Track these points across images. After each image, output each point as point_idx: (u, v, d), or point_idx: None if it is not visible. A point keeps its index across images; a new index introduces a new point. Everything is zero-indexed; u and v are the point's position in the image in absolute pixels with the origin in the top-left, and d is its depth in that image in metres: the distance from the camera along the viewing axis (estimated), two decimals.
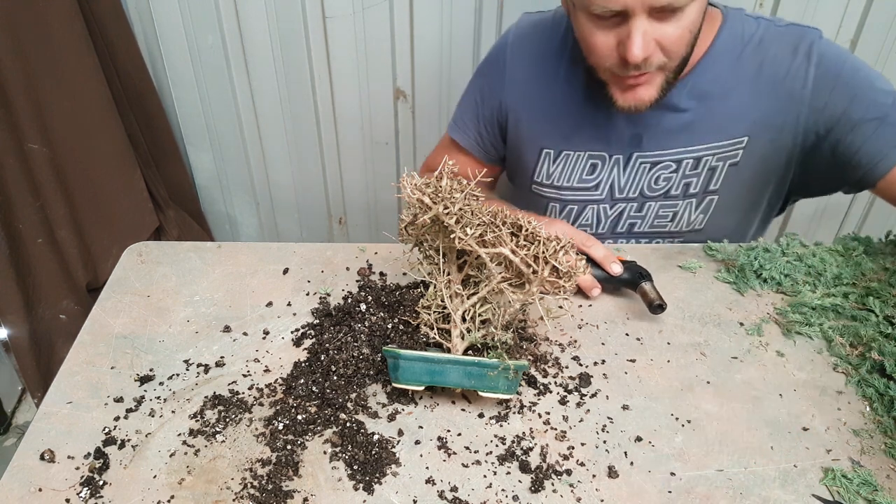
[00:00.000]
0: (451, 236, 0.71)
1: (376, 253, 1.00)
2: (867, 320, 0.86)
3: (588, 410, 0.76)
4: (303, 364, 0.81)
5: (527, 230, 0.72)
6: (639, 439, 0.73)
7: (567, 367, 0.82)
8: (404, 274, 0.95)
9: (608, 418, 0.75)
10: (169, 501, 0.67)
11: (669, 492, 0.68)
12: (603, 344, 0.85)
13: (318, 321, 0.87)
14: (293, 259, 0.99)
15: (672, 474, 0.69)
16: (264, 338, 0.86)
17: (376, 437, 0.73)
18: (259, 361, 0.82)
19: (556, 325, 0.88)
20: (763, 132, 1.01)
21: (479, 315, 0.78)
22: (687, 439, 0.73)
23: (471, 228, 0.71)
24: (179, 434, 0.73)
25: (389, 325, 0.84)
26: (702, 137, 1.02)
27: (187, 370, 0.81)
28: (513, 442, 0.72)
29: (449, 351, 0.77)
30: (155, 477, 0.69)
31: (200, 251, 1.00)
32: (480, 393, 0.73)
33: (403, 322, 0.84)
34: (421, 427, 0.74)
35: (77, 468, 0.70)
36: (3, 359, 1.62)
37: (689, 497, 0.67)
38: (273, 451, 0.71)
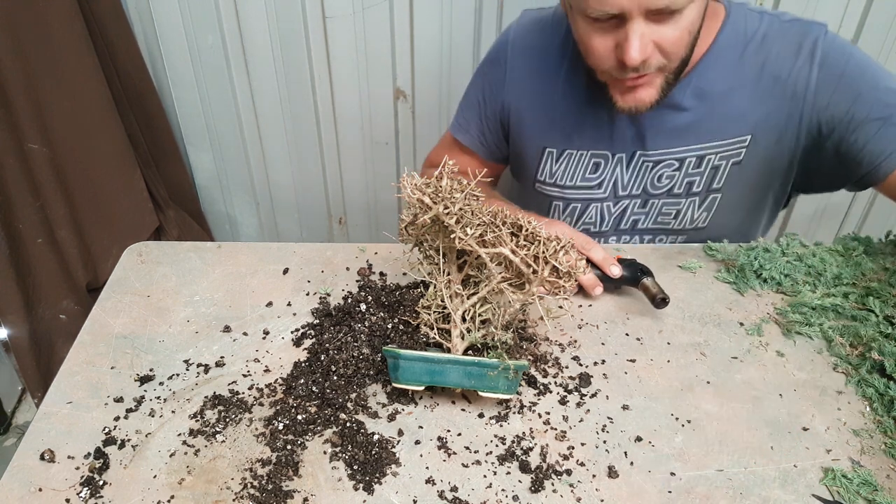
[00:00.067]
0: (451, 236, 0.71)
1: (376, 253, 1.00)
2: (867, 320, 0.86)
3: (588, 410, 0.76)
4: (303, 364, 0.81)
5: (527, 230, 0.72)
6: (639, 439, 0.73)
7: (567, 367, 0.82)
8: (404, 274, 0.95)
9: (608, 418, 0.75)
10: (169, 501, 0.67)
11: (669, 492, 0.68)
12: (603, 344, 0.85)
13: (318, 321, 0.87)
14: (293, 259, 0.99)
15: (672, 474, 0.69)
16: (264, 338, 0.86)
17: (376, 437, 0.73)
18: (259, 361, 0.82)
19: (556, 325, 0.88)
20: (766, 131, 1.00)
21: (479, 315, 0.78)
22: (687, 439, 0.73)
23: (471, 228, 0.71)
24: (179, 434, 0.73)
25: (389, 325, 0.84)
26: (704, 136, 1.02)
27: (187, 370, 0.81)
28: (513, 442, 0.72)
29: (449, 351, 0.77)
30: (155, 477, 0.69)
31: (200, 251, 1.00)
32: (480, 393, 0.73)
33: (403, 322, 0.84)
34: (421, 427, 0.74)
35: (77, 468, 0.70)
36: (3, 359, 1.62)
37: (689, 497, 0.67)
38: (273, 451, 0.71)
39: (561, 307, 0.81)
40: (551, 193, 1.13)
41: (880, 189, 0.96)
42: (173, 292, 0.93)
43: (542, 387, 0.79)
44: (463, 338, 0.77)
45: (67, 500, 0.67)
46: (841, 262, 0.95)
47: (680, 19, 0.85)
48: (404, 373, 0.73)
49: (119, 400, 0.77)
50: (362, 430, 0.73)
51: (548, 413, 0.76)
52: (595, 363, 0.82)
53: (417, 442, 0.73)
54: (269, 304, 0.91)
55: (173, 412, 0.76)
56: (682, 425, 0.75)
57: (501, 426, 0.74)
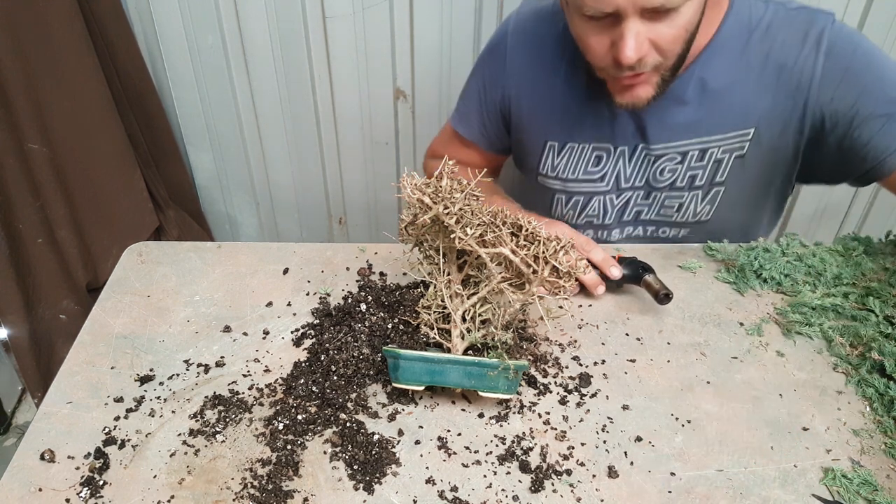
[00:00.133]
0: (451, 236, 0.71)
1: (376, 253, 1.00)
2: (867, 320, 0.86)
3: (588, 410, 0.76)
4: (303, 364, 0.81)
5: (527, 230, 0.72)
6: (639, 439, 0.73)
7: (567, 367, 0.82)
8: (404, 274, 0.95)
9: (608, 418, 0.75)
10: (169, 501, 0.67)
11: (669, 492, 0.68)
12: (603, 344, 0.85)
13: (318, 321, 0.87)
14: (293, 259, 0.99)
15: (672, 474, 0.69)
16: (264, 338, 0.86)
17: (376, 437, 0.73)
18: (259, 361, 0.82)
19: (556, 325, 0.88)
20: (769, 124, 0.98)
21: (479, 315, 0.78)
22: (687, 439, 0.73)
23: (471, 228, 0.71)
24: (179, 434, 0.73)
25: (389, 325, 0.84)
26: (707, 129, 1.00)
27: (187, 370, 0.81)
28: (513, 442, 0.72)
29: (449, 351, 0.77)
30: (155, 477, 0.69)
31: (200, 251, 1.00)
32: (480, 393, 0.73)
33: (403, 322, 0.84)
34: (421, 427, 0.74)
35: (77, 468, 0.70)
36: (3, 359, 1.62)
37: (689, 497, 0.67)
38: (273, 451, 0.71)
39: (561, 307, 0.80)
40: (553, 186, 1.12)
41: (884, 184, 0.95)
42: (173, 292, 0.93)
43: (542, 387, 0.79)
44: (463, 338, 0.77)
45: (67, 500, 0.67)
46: (841, 262, 0.95)
47: (676, 17, 0.83)
48: (404, 373, 0.73)
49: (119, 400, 0.77)
50: (362, 430, 0.73)
51: (548, 413, 0.76)
52: (595, 363, 0.82)
53: (417, 442, 0.73)
54: (269, 304, 0.91)
55: (173, 412, 0.76)
56: (682, 425, 0.75)
57: (501, 426, 0.74)
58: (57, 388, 0.79)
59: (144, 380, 0.80)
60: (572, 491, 0.68)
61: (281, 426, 0.73)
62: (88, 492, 0.67)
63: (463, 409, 0.76)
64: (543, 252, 0.71)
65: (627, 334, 0.87)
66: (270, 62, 1.69)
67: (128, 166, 1.69)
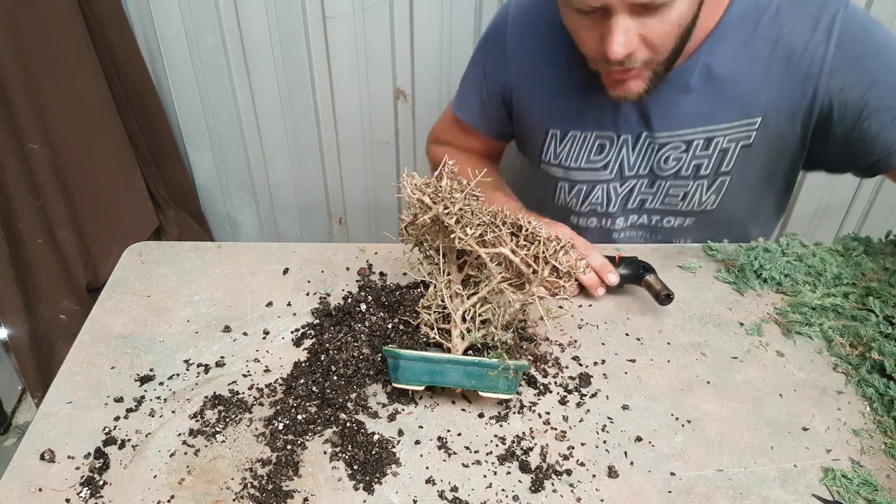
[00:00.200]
0: (451, 236, 0.71)
1: (376, 253, 1.00)
2: (867, 320, 0.86)
3: (588, 410, 0.76)
4: (303, 364, 0.81)
5: (527, 230, 0.72)
6: (639, 439, 0.73)
7: (567, 367, 0.82)
8: (404, 274, 0.95)
9: (608, 418, 0.75)
10: (169, 501, 0.67)
11: (669, 492, 0.68)
12: (603, 344, 0.85)
13: (318, 321, 0.87)
14: (293, 259, 0.99)
15: (672, 474, 0.69)
16: (264, 338, 0.86)
17: (376, 437, 0.73)
18: (259, 361, 0.82)
19: (556, 325, 0.87)
20: (777, 113, 0.95)
21: (479, 315, 0.78)
22: (687, 439, 0.73)
23: (471, 228, 0.71)
24: (179, 434, 0.73)
25: (389, 325, 0.84)
26: (712, 118, 0.97)
27: (187, 370, 0.81)
28: (513, 442, 0.72)
29: (449, 351, 0.77)
30: (155, 477, 0.69)
31: (200, 251, 1.00)
32: (480, 393, 0.73)
33: (403, 322, 0.84)
34: (421, 427, 0.74)
35: (77, 468, 0.70)
36: (3, 359, 1.62)
37: (689, 497, 0.67)
38: (273, 451, 0.71)
39: (561, 307, 0.80)
40: (556, 174, 1.11)
41: (891, 177, 0.94)
42: (173, 292, 0.93)
43: (542, 387, 0.79)
44: (463, 338, 0.77)
45: (67, 500, 0.67)
46: (841, 262, 0.95)
47: (668, 13, 0.81)
48: (404, 373, 0.73)
49: (119, 400, 0.77)
50: (362, 430, 0.73)
51: (548, 413, 0.76)
52: (595, 363, 0.82)
53: (417, 442, 0.73)
54: (269, 304, 0.91)
55: (173, 412, 0.76)
56: (682, 425, 0.75)
57: (501, 426, 0.74)
58: (57, 388, 0.79)
59: (144, 380, 0.80)
60: (572, 491, 0.68)
61: (281, 426, 0.73)
62: (88, 492, 0.67)
63: (463, 409, 0.76)
64: (543, 252, 0.71)
65: (627, 334, 0.87)
66: (270, 62, 1.69)
67: (128, 166, 1.69)
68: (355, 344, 0.82)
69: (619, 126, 1.02)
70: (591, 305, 0.91)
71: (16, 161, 1.40)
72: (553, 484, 0.68)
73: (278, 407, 0.76)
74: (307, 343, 0.84)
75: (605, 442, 0.73)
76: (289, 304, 0.90)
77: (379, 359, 0.81)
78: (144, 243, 1.02)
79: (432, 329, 0.79)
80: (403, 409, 0.76)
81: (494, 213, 0.73)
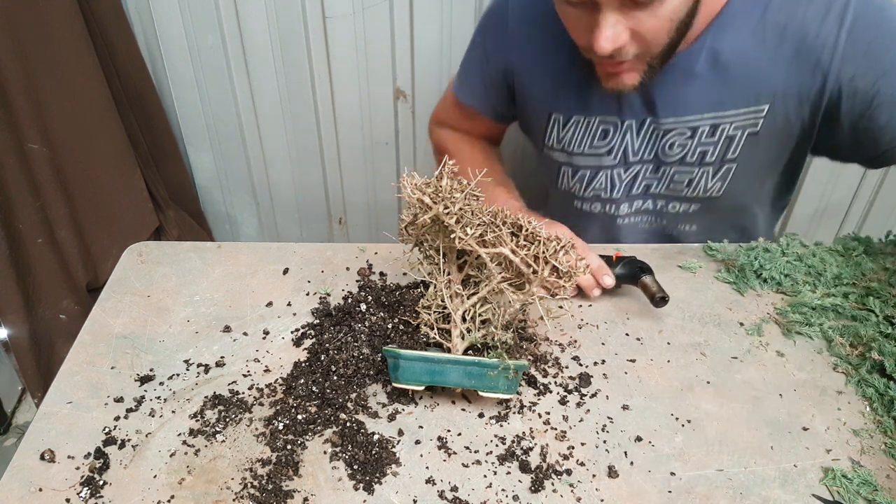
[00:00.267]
0: (451, 236, 0.71)
1: (376, 253, 1.00)
2: (867, 320, 0.86)
3: (588, 410, 0.76)
4: (303, 364, 0.81)
5: (527, 230, 0.72)
6: (639, 439, 0.73)
7: (567, 367, 0.82)
8: (404, 274, 0.95)
9: (608, 418, 0.75)
10: (169, 501, 0.67)
11: (669, 492, 0.68)
12: (603, 344, 0.85)
13: (318, 321, 0.87)
14: (293, 259, 0.99)
15: (672, 474, 0.69)
16: (264, 338, 0.86)
17: (376, 436, 0.73)
18: (259, 361, 0.82)
19: (556, 325, 0.88)
20: (785, 101, 0.93)
21: (479, 315, 0.78)
22: (687, 439, 0.73)
23: (471, 228, 0.71)
24: (179, 434, 0.73)
25: (389, 325, 0.84)
26: (719, 105, 0.95)
27: (187, 370, 0.81)
28: (513, 442, 0.72)
29: (449, 351, 0.77)
30: (155, 477, 0.69)
31: (200, 251, 1.00)
32: (480, 393, 0.73)
33: (403, 322, 0.84)
34: (421, 427, 0.74)
35: (77, 468, 0.70)
36: (3, 359, 1.62)
37: (689, 497, 0.67)
38: (273, 451, 0.71)
39: (561, 307, 0.80)
40: (559, 159, 1.09)
41: None
42: (173, 292, 0.93)
43: (542, 387, 0.79)
44: (463, 338, 0.77)
45: (67, 500, 0.67)
46: (841, 262, 0.95)
47: (659, 7, 0.79)
48: (404, 373, 0.73)
49: (119, 400, 0.77)
50: (362, 430, 0.73)
51: (548, 413, 0.76)
52: (595, 363, 0.82)
53: (417, 442, 0.73)
54: (269, 304, 0.91)
55: (173, 412, 0.76)
56: (682, 425, 0.75)
57: (501, 426, 0.74)
58: (57, 388, 0.79)
59: (144, 380, 0.80)
60: (572, 491, 0.68)
61: (281, 426, 0.73)
62: (88, 492, 0.67)
63: (463, 409, 0.76)
64: (543, 252, 0.71)
65: (627, 334, 0.87)
66: (270, 62, 1.69)
67: (128, 166, 1.69)
68: (355, 344, 0.82)
69: (623, 111, 1.01)
70: (590, 306, 0.91)
71: (16, 161, 1.40)
72: (553, 484, 0.68)
73: (278, 407, 0.76)
74: (307, 343, 0.84)
75: (605, 442, 0.73)
76: (289, 304, 0.91)
77: (379, 359, 0.81)
78: (144, 243, 1.02)
79: (432, 329, 0.79)
80: (403, 409, 0.76)
81: (494, 212, 0.73)
